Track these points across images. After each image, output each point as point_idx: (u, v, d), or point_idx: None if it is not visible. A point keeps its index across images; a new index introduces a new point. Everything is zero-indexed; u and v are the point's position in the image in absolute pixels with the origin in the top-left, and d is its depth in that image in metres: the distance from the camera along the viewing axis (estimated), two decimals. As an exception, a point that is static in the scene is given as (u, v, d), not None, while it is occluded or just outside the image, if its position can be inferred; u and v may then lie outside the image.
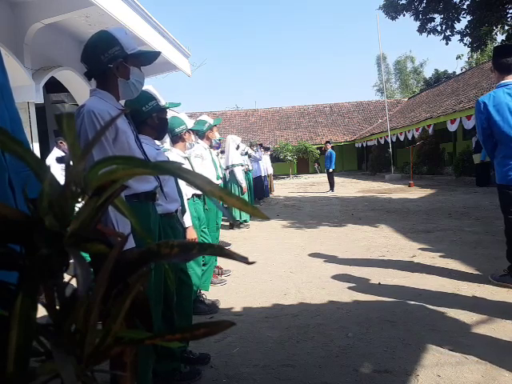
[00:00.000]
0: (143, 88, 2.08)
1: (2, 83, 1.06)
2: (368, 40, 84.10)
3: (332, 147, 14.13)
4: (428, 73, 40.66)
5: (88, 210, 0.46)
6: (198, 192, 3.13)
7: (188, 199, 2.98)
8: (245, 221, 7.18)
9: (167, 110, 2.22)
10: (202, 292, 3.22)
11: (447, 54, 59.29)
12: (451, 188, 11.77)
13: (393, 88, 43.86)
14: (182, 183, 2.53)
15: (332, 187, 13.35)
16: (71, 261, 0.46)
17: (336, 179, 14.72)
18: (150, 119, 2.08)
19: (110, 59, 1.58)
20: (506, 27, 10.14)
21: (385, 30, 72.43)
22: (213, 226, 3.82)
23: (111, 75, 1.62)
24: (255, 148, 11.08)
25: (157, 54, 1.74)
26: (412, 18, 10.47)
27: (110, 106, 1.59)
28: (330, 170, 13.12)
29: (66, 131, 0.47)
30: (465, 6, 9.87)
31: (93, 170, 0.46)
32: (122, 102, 1.80)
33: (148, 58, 1.73)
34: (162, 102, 2.15)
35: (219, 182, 4.06)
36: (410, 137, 17.67)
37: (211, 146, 4.11)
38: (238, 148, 7.04)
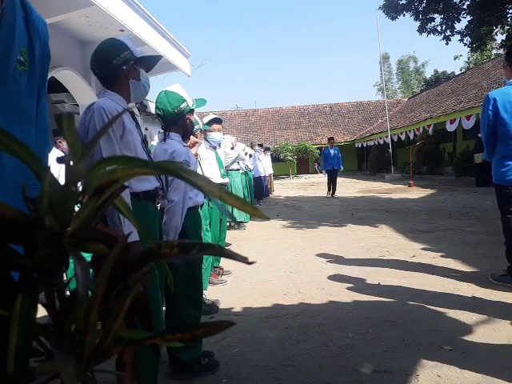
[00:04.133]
0: (171, 89, 2.24)
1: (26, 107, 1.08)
2: (372, 38, 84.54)
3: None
4: (428, 73, 40.79)
5: (88, 210, 0.46)
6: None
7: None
8: (242, 222, 7.15)
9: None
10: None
11: (449, 55, 59.45)
12: (451, 188, 11.77)
13: (394, 88, 43.90)
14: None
15: (334, 190, 11.62)
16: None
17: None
18: (182, 120, 2.22)
19: (122, 62, 1.67)
20: (506, 27, 10.14)
21: (390, 29, 72.65)
22: (216, 227, 3.79)
23: (123, 77, 1.70)
24: (256, 148, 10.98)
25: (158, 58, 1.86)
26: (412, 17, 10.47)
27: (120, 106, 1.65)
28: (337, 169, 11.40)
29: (65, 131, 0.47)
30: (465, 6, 9.87)
31: (93, 170, 0.46)
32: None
33: (151, 61, 1.84)
34: (190, 102, 2.26)
35: (226, 180, 3.98)
36: (410, 137, 17.67)
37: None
38: (232, 149, 6.97)
